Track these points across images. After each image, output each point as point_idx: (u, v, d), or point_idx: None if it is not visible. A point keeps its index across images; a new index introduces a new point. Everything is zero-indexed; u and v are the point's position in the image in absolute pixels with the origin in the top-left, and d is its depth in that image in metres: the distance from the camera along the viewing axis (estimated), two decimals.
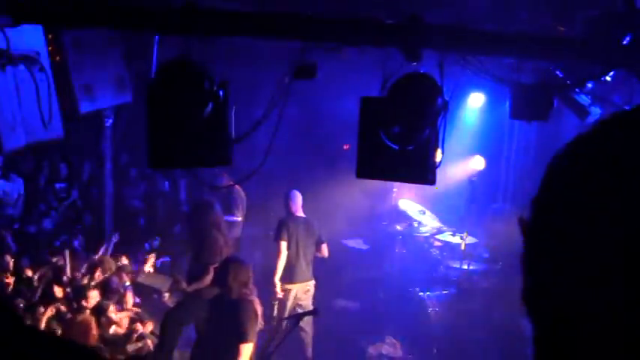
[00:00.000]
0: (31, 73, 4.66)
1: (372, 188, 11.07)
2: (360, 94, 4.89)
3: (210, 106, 4.28)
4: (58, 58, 7.45)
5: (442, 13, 4.84)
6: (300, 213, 10.05)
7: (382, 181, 4.95)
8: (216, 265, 8.81)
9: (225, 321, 7.00)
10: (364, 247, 12.43)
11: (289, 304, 9.66)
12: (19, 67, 4.54)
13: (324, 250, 10.11)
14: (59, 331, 8.25)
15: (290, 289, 9.74)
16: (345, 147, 12.69)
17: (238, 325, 6.80)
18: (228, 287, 7.00)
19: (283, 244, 9.75)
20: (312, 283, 9.99)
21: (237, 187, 10.72)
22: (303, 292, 9.81)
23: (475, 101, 10.49)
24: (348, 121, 6.58)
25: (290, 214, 10.00)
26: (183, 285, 9.11)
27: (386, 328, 10.39)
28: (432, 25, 4.41)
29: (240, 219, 11.75)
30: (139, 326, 8.87)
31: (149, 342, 8.86)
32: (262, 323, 7.30)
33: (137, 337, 8.78)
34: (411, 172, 4.87)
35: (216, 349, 7.05)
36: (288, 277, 9.76)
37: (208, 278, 8.74)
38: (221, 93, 4.37)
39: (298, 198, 10.14)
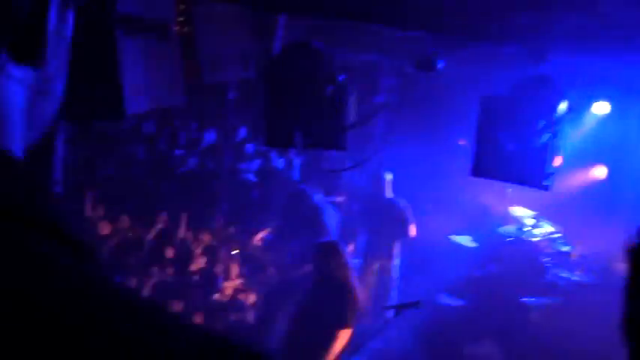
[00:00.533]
0: (159, 41, 4.79)
1: (486, 186, 10.89)
2: (481, 92, 4.80)
3: (329, 89, 4.28)
4: (186, 29, 7.67)
5: (571, 15, 4.67)
6: (390, 194, 10.07)
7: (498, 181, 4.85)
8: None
9: (324, 304, 7.00)
10: (473, 244, 12.24)
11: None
12: (148, 34, 4.67)
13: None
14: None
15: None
16: (460, 142, 12.51)
17: (337, 310, 6.78)
18: (326, 271, 7.01)
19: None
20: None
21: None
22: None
23: (600, 109, 10.07)
24: (467, 117, 6.48)
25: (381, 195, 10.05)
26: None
27: (486, 330, 10.21)
28: (563, 27, 4.27)
29: (340, 199, 11.82)
30: (241, 296, 9.05)
31: (249, 314, 9.03)
32: (362, 309, 7.30)
33: (238, 307, 8.96)
34: (526, 176, 4.75)
35: (312, 331, 7.06)
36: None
37: None
38: (341, 78, 4.37)
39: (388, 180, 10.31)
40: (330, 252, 7.17)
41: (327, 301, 6.98)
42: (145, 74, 4.74)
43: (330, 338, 6.64)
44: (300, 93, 4.22)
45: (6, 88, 0.82)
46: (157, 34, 4.79)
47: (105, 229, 9.95)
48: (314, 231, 9.01)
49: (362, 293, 7.23)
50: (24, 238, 0.68)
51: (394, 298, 10.25)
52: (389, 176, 10.36)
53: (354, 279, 7.12)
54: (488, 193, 11.74)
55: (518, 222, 10.97)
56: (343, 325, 6.69)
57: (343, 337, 6.67)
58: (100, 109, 4.31)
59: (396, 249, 10.53)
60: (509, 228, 11.01)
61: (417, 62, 4.58)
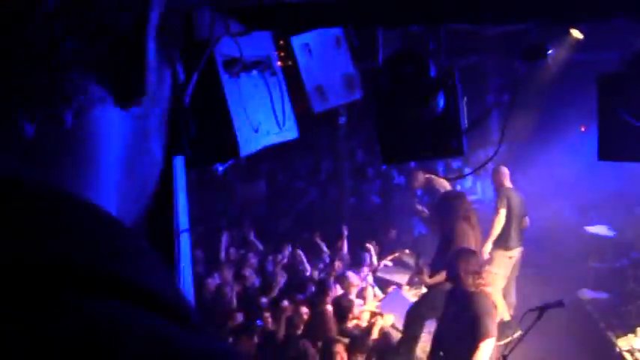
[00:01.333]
0: (264, 77, 4.84)
1: (616, 170, 10.45)
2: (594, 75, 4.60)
3: (439, 95, 4.20)
4: (290, 62, 7.78)
5: None
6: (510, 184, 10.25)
7: (629, 162, 4.61)
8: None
9: (462, 315, 6.80)
10: (610, 233, 11.74)
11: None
12: (251, 72, 4.73)
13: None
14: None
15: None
16: (582, 128, 12.17)
17: (475, 320, 6.58)
18: (460, 279, 6.82)
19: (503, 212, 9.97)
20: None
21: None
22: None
23: None
24: (585, 102, 6.21)
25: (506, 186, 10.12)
26: (425, 277, 9.04)
27: (637, 321, 9.72)
28: None
29: None
30: (379, 320, 8.98)
31: (391, 335, 8.95)
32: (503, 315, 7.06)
33: (379, 331, 8.89)
34: None
35: (454, 345, 6.87)
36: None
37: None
38: (449, 81, 4.29)
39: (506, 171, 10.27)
40: (459, 257, 7.00)
41: (463, 311, 6.78)
42: (255, 112, 4.79)
43: (472, 349, 6.41)
44: (410, 103, 4.16)
45: (105, 125, 0.78)
46: (259, 70, 4.84)
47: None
48: (465, 233, 8.79)
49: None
50: (121, 314, 0.62)
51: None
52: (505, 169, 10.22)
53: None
54: (619, 176, 11.28)
55: None
56: (483, 336, 6.46)
57: (487, 347, 6.42)
58: (215, 151, 4.38)
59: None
60: None
61: (523, 53, 4.43)
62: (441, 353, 7.05)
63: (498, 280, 9.96)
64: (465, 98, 5.53)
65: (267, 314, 8.74)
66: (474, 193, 14.66)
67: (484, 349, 6.37)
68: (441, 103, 4.25)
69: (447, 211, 8.88)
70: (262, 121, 4.82)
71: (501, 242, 9.98)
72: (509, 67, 10.44)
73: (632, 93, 4.26)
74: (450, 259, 7.17)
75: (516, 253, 10.11)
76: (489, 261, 9.85)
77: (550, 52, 4.30)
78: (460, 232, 8.65)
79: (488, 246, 9.89)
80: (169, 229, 4.62)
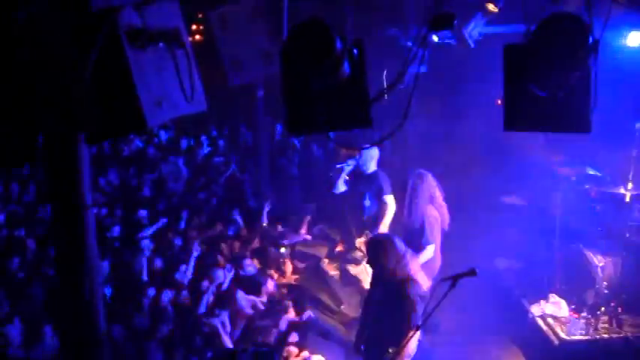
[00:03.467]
0: (171, 49, 4.72)
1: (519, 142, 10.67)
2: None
3: (345, 66, 4.17)
4: (207, 35, 7.67)
5: None
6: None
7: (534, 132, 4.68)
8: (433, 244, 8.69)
9: (389, 303, 6.86)
10: (520, 202, 12.00)
11: None
12: (158, 44, 4.61)
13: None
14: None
15: None
16: (498, 102, 12.32)
17: (400, 310, 6.62)
18: (382, 267, 6.80)
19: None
20: None
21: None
22: None
23: (634, 41, 9.49)
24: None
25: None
26: (340, 247, 9.02)
27: (549, 287, 10.00)
28: None
29: None
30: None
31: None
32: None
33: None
34: (564, 121, 4.58)
35: (383, 333, 6.90)
36: None
37: (426, 257, 8.68)
38: (355, 51, 4.26)
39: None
40: (378, 245, 6.93)
41: (389, 301, 6.79)
42: (161, 84, 4.67)
43: (401, 336, 6.39)
44: (316, 73, 4.11)
45: None
46: (167, 43, 4.72)
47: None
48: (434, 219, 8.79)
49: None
50: None
51: None
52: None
53: (410, 266, 6.83)
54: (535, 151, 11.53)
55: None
56: (410, 326, 6.44)
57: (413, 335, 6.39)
58: (119, 124, 4.27)
59: None
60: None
61: (431, 22, 4.43)
62: (376, 340, 6.99)
63: None
64: (386, 71, 5.51)
65: (183, 291, 8.64)
66: (393, 166, 14.76)
67: (412, 337, 6.36)
68: (348, 73, 4.22)
69: (415, 192, 8.82)
70: (169, 94, 4.71)
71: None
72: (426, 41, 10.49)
73: (536, 63, 4.31)
74: (369, 247, 7.08)
75: None
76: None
77: (456, 21, 4.32)
78: (429, 218, 8.67)
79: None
80: (74, 205, 4.50)
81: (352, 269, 10.58)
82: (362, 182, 10.28)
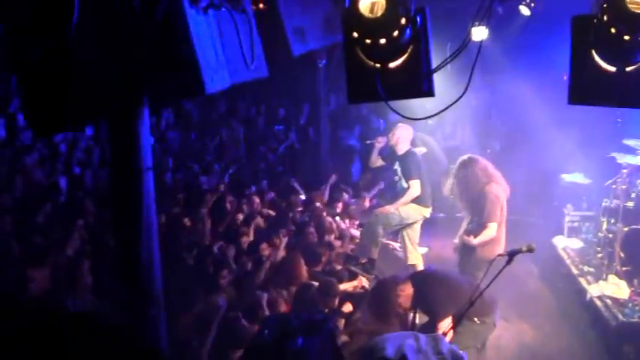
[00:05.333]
0: (233, 15, 4.71)
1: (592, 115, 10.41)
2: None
3: (407, 33, 4.10)
4: (269, 3, 7.63)
5: None
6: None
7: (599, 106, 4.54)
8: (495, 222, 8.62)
9: None
10: (586, 181, 11.76)
11: None
12: (221, 9, 4.60)
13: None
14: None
15: None
16: (564, 77, 12.04)
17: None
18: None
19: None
20: None
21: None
22: None
23: None
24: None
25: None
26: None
27: (610, 268, 9.80)
28: None
29: None
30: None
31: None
32: None
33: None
34: (632, 96, 4.44)
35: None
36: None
37: (489, 234, 8.62)
38: (419, 19, 4.19)
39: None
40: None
41: None
42: (222, 49, 4.67)
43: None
44: (377, 42, 4.06)
45: None
46: (228, 8, 4.71)
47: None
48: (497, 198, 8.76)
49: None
50: None
51: None
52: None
53: None
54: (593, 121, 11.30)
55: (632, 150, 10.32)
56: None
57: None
58: (179, 88, 4.29)
59: None
60: (621, 160, 10.34)
61: None
62: None
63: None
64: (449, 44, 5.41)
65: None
66: (453, 139, 14.64)
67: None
68: (410, 42, 4.16)
69: (470, 176, 8.73)
70: (229, 59, 4.72)
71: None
72: (491, 12, 10.30)
73: (604, 36, 4.18)
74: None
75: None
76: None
77: None
78: (491, 195, 8.61)
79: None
80: (134, 168, 4.55)
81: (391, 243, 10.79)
82: (395, 160, 10.36)
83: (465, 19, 9.25)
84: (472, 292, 6.53)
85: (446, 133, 14.75)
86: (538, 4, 9.88)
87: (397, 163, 10.23)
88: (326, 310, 7.58)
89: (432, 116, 4.84)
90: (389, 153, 10.43)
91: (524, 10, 9.08)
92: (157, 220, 4.69)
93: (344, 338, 7.17)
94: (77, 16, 3.65)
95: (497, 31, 11.50)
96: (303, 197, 11.59)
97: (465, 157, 9.07)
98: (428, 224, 10.85)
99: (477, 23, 4.83)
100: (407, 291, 6.75)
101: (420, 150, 12.28)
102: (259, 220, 10.13)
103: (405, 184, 10.03)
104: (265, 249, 8.85)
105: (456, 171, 8.93)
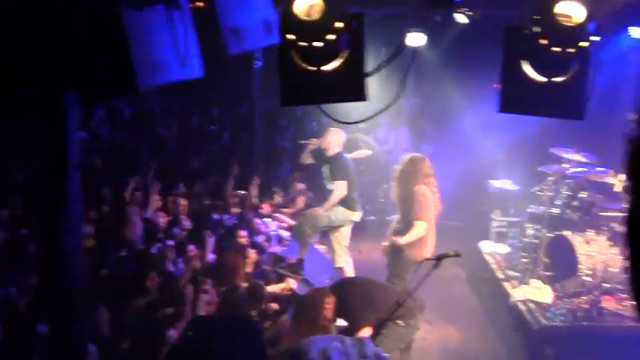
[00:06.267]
0: (169, 12, 4.65)
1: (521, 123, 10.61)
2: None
3: (343, 38, 4.13)
4: (205, 1, 7.54)
5: None
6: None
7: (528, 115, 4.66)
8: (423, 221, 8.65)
9: None
10: (513, 188, 12.03)
11: None
12: (157, 6, 4.54)
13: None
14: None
15: None
16: (495, 86, 12.28)
17: None
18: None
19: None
20: None
21: None
22: None
23: (636, 33, 9.46)
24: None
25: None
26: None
27: (534, 273, 10.03)
28: None
29: None
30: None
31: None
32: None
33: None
34: (560, 107, 4.56)
35: None
36: None
37: (416, 233, 8.63)
38: (354, 24, 4.22)
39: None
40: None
41: None
42: (156, 47, 4.60)
43: None
44: (312, 45, 4.07)
45: None
46: (165, 5, 4.64)
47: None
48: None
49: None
50: None
51: None
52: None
53: None
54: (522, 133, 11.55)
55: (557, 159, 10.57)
56: None
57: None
58: (111, 85, 4.21)
59: None
60: (549, 172, 10.59)
61: (431, 1, 4.39)
62: None
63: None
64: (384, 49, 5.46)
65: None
66: (387, 143, 14.77)
67: None
68: (346, 47, 4.19)
69: (409, 173, 8.75)
70: (164, 57, 4.65)
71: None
72: (428, 20, 10.40)
73: (534, 47, 4.28)
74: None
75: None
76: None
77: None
78: (419, 194, 8.63)
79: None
80: (61, 163, 4.45)
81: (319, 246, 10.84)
82: (324, 162, 10.38)
83: (405, 24, 9.40)
84: (395, 297, 6.61)
85: (379, 137, 14.86)
86: (475, 13, 10.05)
87: (326, 164, 10.27)
88: (253, 312, 7.55)
89: (364, 120, 4.88)
90: (319, 154, 10.45)
91: (461, 18, 9.21)
92: (82, 217, 4.60)
93: (270, 340, 7.15)
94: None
95: (435, 37, 11.68)
96: (233, 198, 11.51)
97: (413, 154, 9.13)
98: (359, 227, 10.91)
99: (413, 29, 4.89)
100: (332, 303, 6.78)
101: (365, 152, 12.40)
102: (187, 221, 10.02)
103: (332, 186, 10.07)
104: (192, 250, 8.76)
105: (401, 166, 8.95)
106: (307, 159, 10.82)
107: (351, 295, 7.00)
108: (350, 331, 6.85)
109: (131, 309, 7.14)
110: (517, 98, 4.55)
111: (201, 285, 7.36)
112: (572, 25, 4.04)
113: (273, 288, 8.59)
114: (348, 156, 10.56)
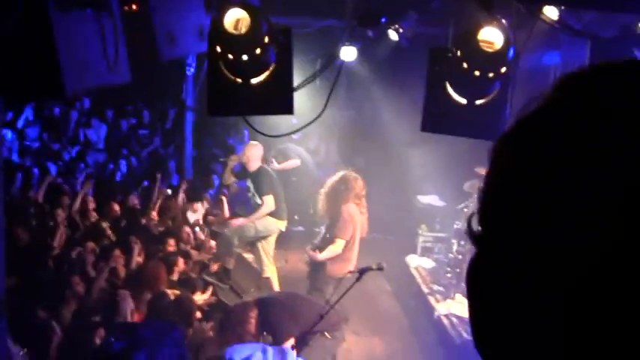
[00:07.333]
0: (98, 16, 4.64)
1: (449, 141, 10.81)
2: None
3: (270, 52, 4.19)
4: (140, 5, 7.49)
5: None
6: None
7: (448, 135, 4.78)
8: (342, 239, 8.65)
9: None
10: (440, 204, 12.24)
11: None
12: (86, 10, 4.52)
13: None
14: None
15: None
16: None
17: None
18: None
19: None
20: None
21: None
22: None
23: (551, 59, 9.69)
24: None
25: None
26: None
27: (457, 288, 10.23)
28: None
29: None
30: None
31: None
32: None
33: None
34: (479, 129, 4.70)
35: None
36: None
37: (334, 250, 8.62)
38: (282, 38, 4.28)
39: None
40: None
41: None
42: (84, 51, 4.58)
43: None
44: (239, 58, 4.12)
45: None
46: (92, 9, 4.63)
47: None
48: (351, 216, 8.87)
49: None
50: None
51: None
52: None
53: None
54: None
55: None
56: None
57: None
58: (38, 88, 4.19)
59: None
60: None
61: (359, 19, 4.49)
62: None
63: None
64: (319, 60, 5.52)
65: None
66: (317, 154, 14.85)
67: None
68: (273, 60, 4.24)
69: (342, 191, 8.74)
70: (92, 61, 4.64)
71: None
72: (361, 35, 10.53)
73: (457, 69, 4.40)
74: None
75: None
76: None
77: (383, 20, 4.39)
78: (345, 213, 8.66)
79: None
80: None
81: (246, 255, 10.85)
82: (247, 177, 10.41)
83: (342, 38, 9.53)
84: (319, 310, 6.67)
85: (310, 148, 14.92)
86: (406, 30, 10.24)
87: (249, 180, 10.27)
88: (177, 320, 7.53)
89: (292, 133, 4.95)
90: (241, 170, 10.45)
91: (393, 35, 9.40)
92: (4, 220, 4.54)
93: (193, 347, 7.15)
94: None
95: (367, 52, 11.82)
96: (161, 203, 11.43)
97: (347, 172, 9.18)
98: (286, 237, 10.94)
99: (347, 43, 4.97)
100: (255, 317, 6.81)
101: (295, 163, 12.42)
102: (111, 227, 9.90)
103: (259, 200, 10.05)
104: (119, 256, 8.67)
105: (332, 183, 8.96)
106: (230, 179, 10.79)
107: (274, 309, 7.05)
108: (275, 344, 6.90)
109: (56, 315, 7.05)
110: (439, 118, 4.67)
111: (117, 296, 7.31)
112: (493, 51, 4.17)
113: (199, 297, 8.58)
114: (279, 166, 10.59)
